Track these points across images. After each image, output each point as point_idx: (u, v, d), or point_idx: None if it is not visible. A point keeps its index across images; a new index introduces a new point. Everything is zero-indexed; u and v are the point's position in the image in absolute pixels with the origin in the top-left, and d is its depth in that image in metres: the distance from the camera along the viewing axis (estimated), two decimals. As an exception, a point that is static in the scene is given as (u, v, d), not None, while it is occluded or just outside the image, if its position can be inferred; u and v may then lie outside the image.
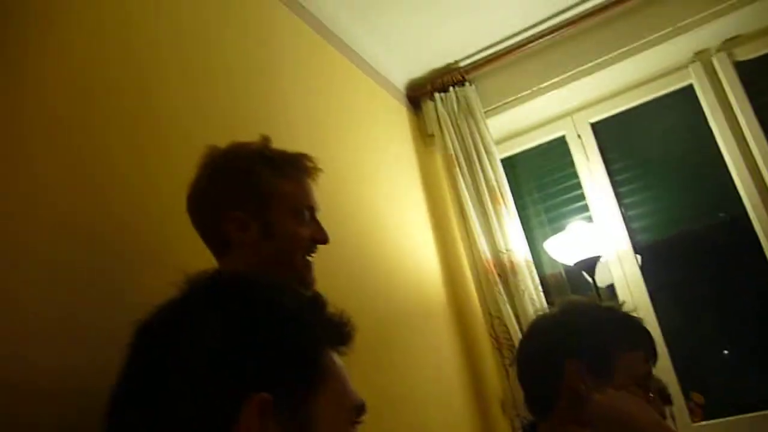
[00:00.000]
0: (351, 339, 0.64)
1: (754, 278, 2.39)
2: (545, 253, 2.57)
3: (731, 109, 2.41)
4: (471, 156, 2.57)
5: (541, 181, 2.83)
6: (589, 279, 2.37)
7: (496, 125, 2.71)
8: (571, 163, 2.72)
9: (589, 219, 2.59)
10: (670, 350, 2.33)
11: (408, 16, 2.37)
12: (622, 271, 2.50)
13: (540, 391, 1.05)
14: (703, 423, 2.29)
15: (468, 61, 2.74)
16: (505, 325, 2.32)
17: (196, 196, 1.03)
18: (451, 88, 2.67)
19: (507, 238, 2.43)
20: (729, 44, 2.45)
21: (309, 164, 1.06)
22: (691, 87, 2.55)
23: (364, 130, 2.27)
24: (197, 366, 0.54)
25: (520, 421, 2.19)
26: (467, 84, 2.66)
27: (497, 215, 2.46)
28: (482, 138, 2.58)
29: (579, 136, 2.72)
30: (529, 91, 2.65)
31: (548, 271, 2.69)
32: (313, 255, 1.04)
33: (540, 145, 2.85)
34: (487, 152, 2.55)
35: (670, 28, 2.40)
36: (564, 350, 1.01)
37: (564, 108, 2.74)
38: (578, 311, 1.10)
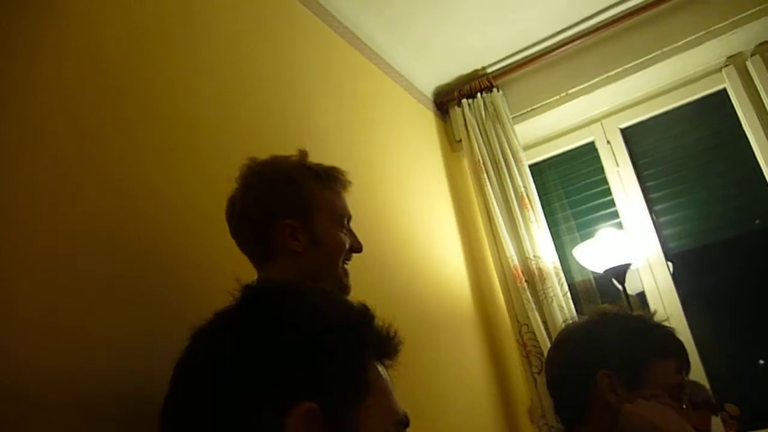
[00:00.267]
0: (397, 352, 0.64)
1: (791, 287, 2.33)
2: (574, 260, 2.54)
3: (766, 113, 2.36)
4: (499, 162, 2.56)
5: (570, 187, 2.80)
6: (619, 287, 2.34)
7: (524, 131, 2.70)
8: (601, 169, 2.69)
9: (619, 226, 2.56)
10: (702, 360, 2.28)
11: (435, 24, 2.38)
12: (653, 278, 2.46)
13: (570, 401, 1.05)
14: (738, 435, 2.24)
15: (495, 68, 2.73)
16: (533, 333, 2.30)
17: (244, 203, 1.05)
18: (478, 94, 2.67)
19: (535, 245, 2.41)
20: (763, 48, 2.41)
21: (343, 177, 1.11)
22: (724, 91, 2.51)
23: (393, 137, 2.29)
24: (247, 373, 0.56)
25: (548, 430, 2.17)
26: (495, 90, 2.65)
27: (525, 221, 2.45)
28: (510, 144, 2.57)
29: (608, 142, 2.69)
30: (557, 97, 2.63)
31: (577, 278, 2.66)
32: (348, 262, 1.08)
33: (569, 151, 2.82)
34: (515, 158, 2.54)
35: (702, 32, 2.37)
36: (595, 361, 1.01)
37: (593, 113, 2.71)
38: (609, 321, 1.09)
